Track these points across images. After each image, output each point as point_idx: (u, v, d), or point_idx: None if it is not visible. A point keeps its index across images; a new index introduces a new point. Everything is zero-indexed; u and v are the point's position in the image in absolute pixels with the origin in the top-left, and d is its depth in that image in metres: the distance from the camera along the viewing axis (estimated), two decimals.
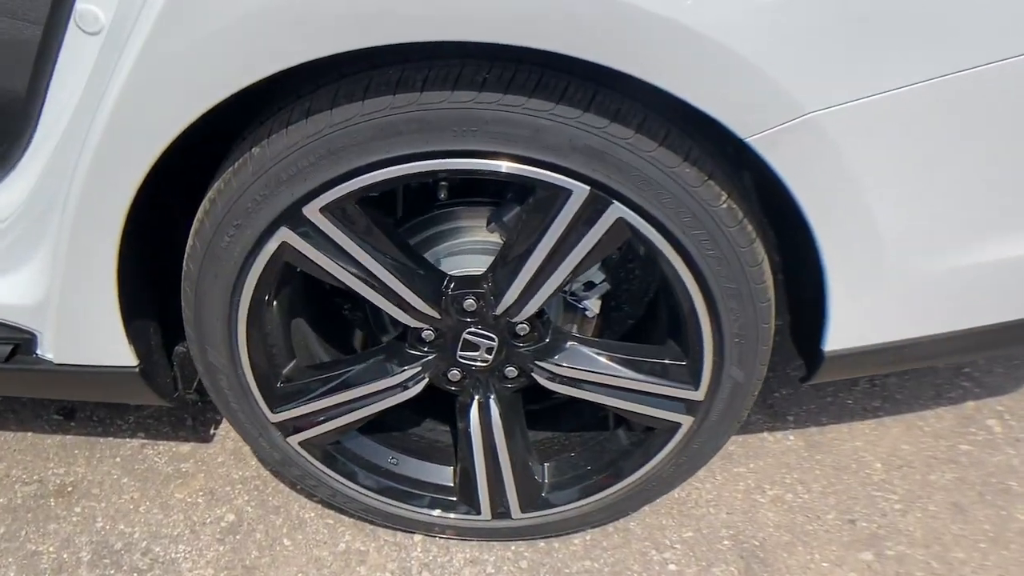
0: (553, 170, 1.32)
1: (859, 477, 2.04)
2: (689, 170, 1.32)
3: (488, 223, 1.56)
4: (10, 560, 1.98)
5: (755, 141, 1.23)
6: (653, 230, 1.37)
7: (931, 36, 1.20)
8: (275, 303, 1.61)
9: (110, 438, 2.26)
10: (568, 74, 1.29)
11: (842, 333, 1.51)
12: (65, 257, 1.52)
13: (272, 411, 1.69)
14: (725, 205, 1.35)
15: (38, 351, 1.71)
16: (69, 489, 2.14)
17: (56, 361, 1.70)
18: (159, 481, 2.14)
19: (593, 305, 1.66)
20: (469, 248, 1.62)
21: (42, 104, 1.55)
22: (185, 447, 2.22)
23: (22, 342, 1.70)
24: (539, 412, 1.89)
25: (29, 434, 2.29)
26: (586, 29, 1.16)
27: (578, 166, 1.31)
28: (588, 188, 1.33)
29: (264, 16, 1.19)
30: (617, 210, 1.35)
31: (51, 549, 2.00)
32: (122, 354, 1.66)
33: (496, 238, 1.59)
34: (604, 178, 1.32)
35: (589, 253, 1.42)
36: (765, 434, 2.15)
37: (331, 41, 1.21)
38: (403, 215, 1.68)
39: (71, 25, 1.41)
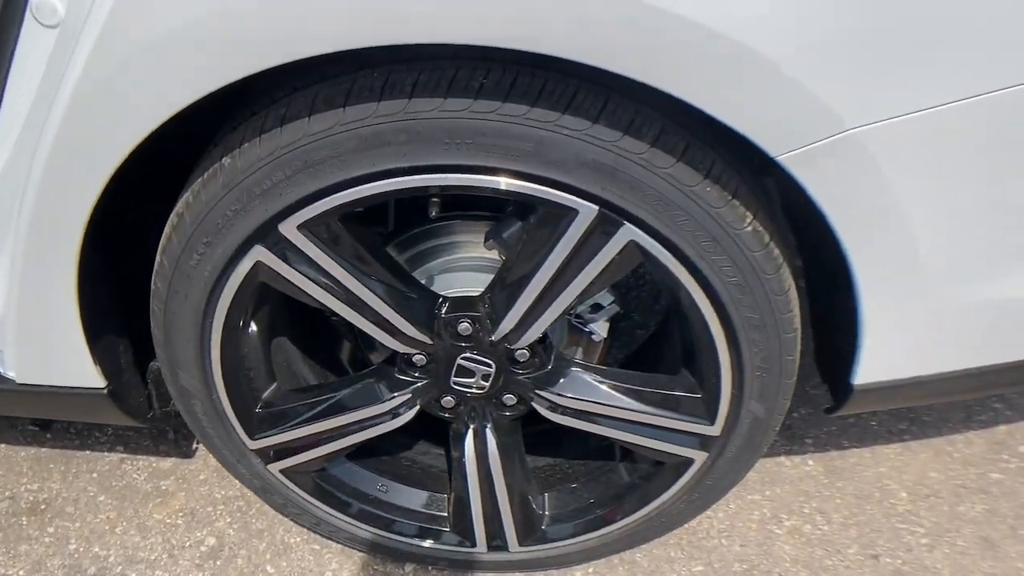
0: (557, 187, 1.18)
1: (883, 507, 1.91)
2: (710, 188, 1.18)
3: (486, 239, 1.42)
4: None
5: (787, 159, 1.09)
6: (669, 255, 1.23)
7: (982, 47, 1.07)
8: (253, 323, 1.48)
9: (87, 452, 2.14)
10: (576, 79, 1.15)
11: (875, 365, 1.37)
12: (21, 269, 1.39)
13: (251, 437, 1.56)
14: (750, 228, 1.21)
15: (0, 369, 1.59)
16: (42, 507, 2.01)
17: (18, 380, 1.57)
18: (137, 500, 2.02)
19: (600, 328, 1.51)
20: (465, 265, 1.48)
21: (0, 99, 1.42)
22: (166, 463, 2.10)
23: None
24: (539, 435, 1.76)
25: (2, 446, 2.16)
26: (596, 32, 1.01)
27: (585, 184, 1.17)
28: (596, 208, 1.19)
29: (229, 15, 1.05)
30: (629, 232, 1.21)
31: (21, 573, 1.88)
32: (88, 375, 1.53)
33: (495, 255, 1.45)
34: (614, 197, 1.18)
35: (597, 278, 1.28)
36: (782, 458, 2.02)
37: (310, 43, 1.07)
38: (394, 228, 1.54)
39: (27, 16, 1.27)
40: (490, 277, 1.42)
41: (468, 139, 1.15)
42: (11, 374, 1.57)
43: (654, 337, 1.68)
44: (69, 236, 1.34)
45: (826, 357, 1.58)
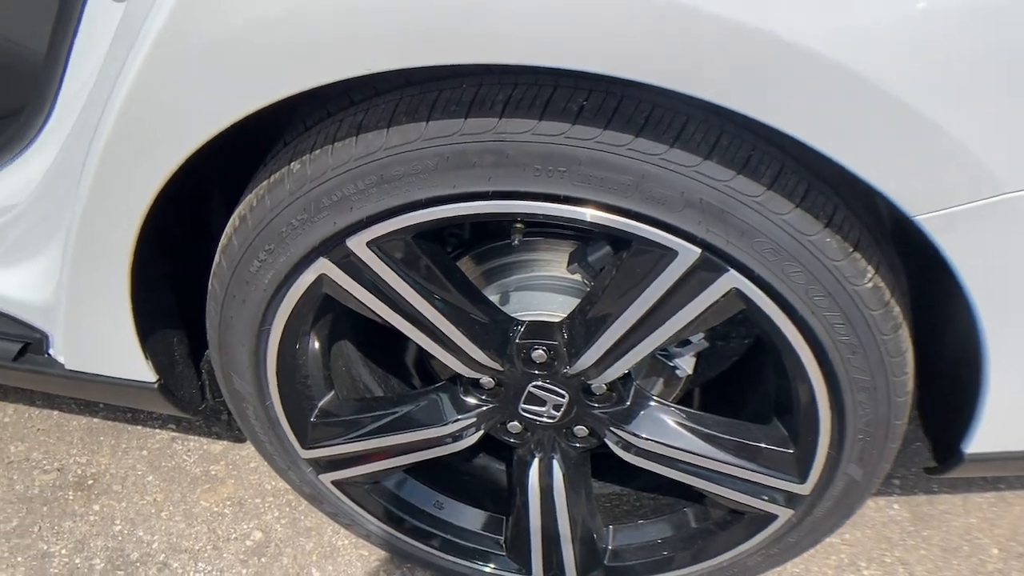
0: (657, 226, 1.05)
1: (971, 563, 1.76)
2: (830, 239, 1.04)
3: (570, 262, 1.30)
4: (19, 559, 1.82)
5: (927, 220, 0.95)
6: (775, 307, 1.09)
7: None
8: (313, 330, 1.38)
9: (139, 426, 2.08)
10: (687, 105, 1.01)
11: (991, 436, 1.23)
12: (72, 257, 1.31)
13: (303, 447, 1.47)
14: (871, 283, 1.07)
15: (50, 351, 1.52)
16: (90, 482, 1.97)
17: (68, 367, 1.50)
18: (186, 483, 1.96)
19: (686, 364, 1.39)
20: (545, 285, 1.36)
21: (62, 75, 1.34)
22: (217, 446, 2.03)
23: (32, 341, 1.51)
24: (607, 459, 1.64)
25: (55, 413, 2.12)
26: (708, 63, 0.88)
27: (689, 225, 1.04)
28: (699, 251, 1.06)
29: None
30: (732, 279, 1.08)
31: (63, 551, 1.83)
32: (138, 368, 1.45)
33: (578, 278, 1.33)
34: (720, 241, 1.05)
35: (690, 323, 1.15)
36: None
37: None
38: (471, 238, 1.43)
39: None
40: (571, 300, 1.30)
41: (562, 167, 1.03)
42: (61, 359, 1.51)
43: (743, 377, 1.54)
44: (124, 229, 1.26)
45: (929, 406, 1.44)
